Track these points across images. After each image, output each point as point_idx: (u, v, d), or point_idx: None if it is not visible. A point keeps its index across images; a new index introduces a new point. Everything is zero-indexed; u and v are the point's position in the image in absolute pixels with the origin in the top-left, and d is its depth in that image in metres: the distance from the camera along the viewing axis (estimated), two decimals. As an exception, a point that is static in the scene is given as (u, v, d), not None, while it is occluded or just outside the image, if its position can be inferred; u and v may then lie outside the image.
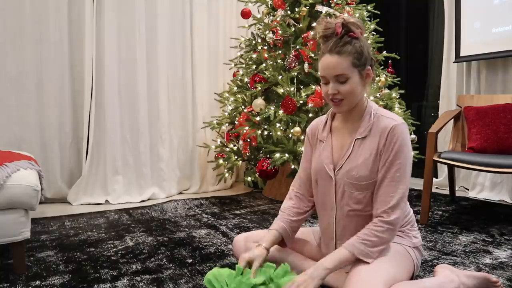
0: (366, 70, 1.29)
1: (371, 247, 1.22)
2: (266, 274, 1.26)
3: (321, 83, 1.32)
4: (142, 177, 3.14)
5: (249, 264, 1.30)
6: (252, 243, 1.54)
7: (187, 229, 2.26)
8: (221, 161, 3.07)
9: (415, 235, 1.40)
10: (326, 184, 1.38)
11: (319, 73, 1.31)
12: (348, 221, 1.34)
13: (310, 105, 2.62)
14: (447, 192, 3.06)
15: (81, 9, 2.95)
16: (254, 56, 3.10)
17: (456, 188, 3.19)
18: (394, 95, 3.07)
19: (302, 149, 2.59)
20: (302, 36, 2.82)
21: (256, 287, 1.20)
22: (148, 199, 3.11)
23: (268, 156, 2.75)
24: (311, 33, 2.78)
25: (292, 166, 2.64)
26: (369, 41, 2.98)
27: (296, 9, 2.93)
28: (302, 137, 2.64)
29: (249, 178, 3.11)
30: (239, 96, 3.11)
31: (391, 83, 3.18)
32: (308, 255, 1.51)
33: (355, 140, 1.33)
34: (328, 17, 2.82)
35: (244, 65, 3.23)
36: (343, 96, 1.27)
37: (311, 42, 2.77)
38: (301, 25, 2.86)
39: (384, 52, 3.20)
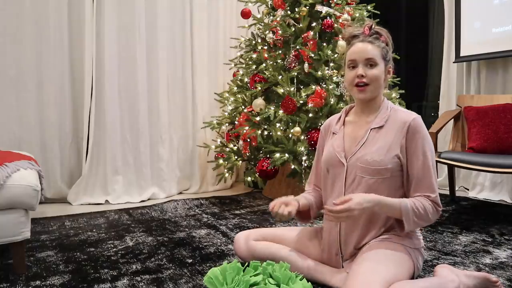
0: (388, 67, 1.41)
1: (416, 216, 1.28)
2: (265, 271, 1.26)
3: (346, 68, 1.40)
4: (142, 177, 3.13)
5: (284, 204, 1.41)
6: (253, 241, 1.55)
7: (187, 229, 2.26)
8: (221, 161, 3.07)
9: (417, 236, 1.40)
10: (337, 171, 1.42)
11: (347, 58, 1.40)
12: None
13: (310, 105, 2.62)
14: (447, 192, 3.06)
15: (81, 9, 2.95)
16: (254, 56, 3.10)
17: (456, 188, 3.19)
18: (394, 95, 3.07)
19: (302, 149, 2.60)
20: (302, 36, 2.82)
21: (255, 285, 1.20)
22: (148, 199, 3.11)
23: (268, 156, 2.74)
24: (311, 33, 2.78)
25: (292, 166, 2.64)
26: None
27: (296, 9, 2.93)
28: (302, 137, 2.64)
29: (249, 178, 3.10)
30: (239, 96, 3.11)
31: (391, 83, 3.18)
32: (308, 254, 1.52)
33: (371, 129, 1.39)
34: (328, 17, 2.83)
35: (244, 65, 3.23)
36: (369, 81, 1.35)
37: (311, 42, 2.77)
38: (301, 25, 2.86)
39: (384, 52, 3.19)
